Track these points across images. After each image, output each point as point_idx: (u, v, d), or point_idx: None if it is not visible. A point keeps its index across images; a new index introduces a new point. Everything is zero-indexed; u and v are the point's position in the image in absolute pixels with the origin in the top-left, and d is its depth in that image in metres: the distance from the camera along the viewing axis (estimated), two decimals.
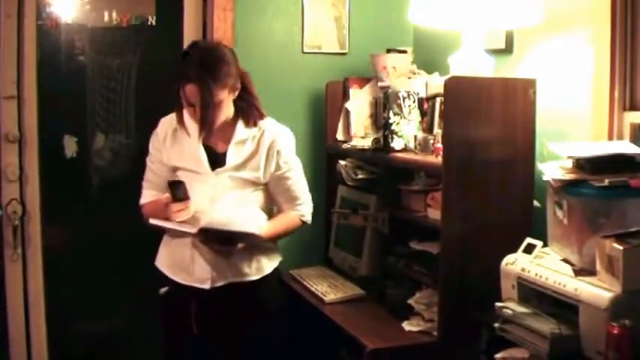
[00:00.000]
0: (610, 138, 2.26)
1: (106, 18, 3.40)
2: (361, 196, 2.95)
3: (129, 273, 3.37)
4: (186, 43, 3.14)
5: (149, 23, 3.45)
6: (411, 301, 2.55)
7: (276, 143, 2.30)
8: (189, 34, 3.16)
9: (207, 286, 2.23)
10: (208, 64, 2.15)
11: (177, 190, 2.14)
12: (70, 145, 3.35)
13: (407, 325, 2.49)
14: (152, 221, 2.17)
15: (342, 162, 3.07)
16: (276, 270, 2.39)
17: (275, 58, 3.23)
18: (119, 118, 3.46)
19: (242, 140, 2.27)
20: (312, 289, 2.84)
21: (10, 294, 2.96)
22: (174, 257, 2.30)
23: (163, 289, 2.32)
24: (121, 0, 3.42)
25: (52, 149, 3.22)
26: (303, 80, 3.28)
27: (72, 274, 3.29)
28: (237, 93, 2.25)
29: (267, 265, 2.33)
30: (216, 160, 2.25)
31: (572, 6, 2.42)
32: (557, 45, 2.49)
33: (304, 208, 2.41)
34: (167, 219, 2.17)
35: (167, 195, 2.17)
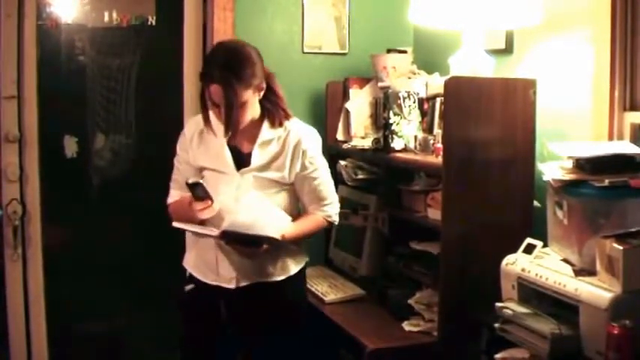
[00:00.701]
0: (610, 138, 2.26)
1: (106, 18, 3.40)
2: (361, 196, 2.95)
3: (129, 273, 3.37)
4: (186, 43, 3.15)
5: (149, 23, 3.45)
6: (411, 301, 2.55)
7: (301, 143, 2.29)
8: (189, 34, 3.16)
9: (232, 285, 2.23)
10: (233, 64, 2.14)
11: (196, 191, 2.13)
12: (70, 145, 3.35)
13: (407, 325, 2.49)
14: (175, 224, 2.17)
15: (342, 162, 3.07)
16: (302, 271, 2.37)
17: (275, 58, 3.22)
18: (119, 118, 3.46)
19: (267, 140, 2.27)
20: (313, 289, 2.84)
21: (10, 294, 2.96)
22: (200, 257, 2.30)
23: (189, 286, 2.31)
24: (121, 0, 3.42)
25: (52, 149, 3.22)
26: (303, 80, 3.28)
27: (72, 274, 3.29)
28: (262, 93, 2.25)
29: (292, 265, 2.33)
30: (242, 161, 2.25)
31: (572, 6, 2.42)
32: (557, 45, 2.49)
33: (331, 209, 2.38)
34: (192, 219, 2.17)
35: (189, 195, 2.16)
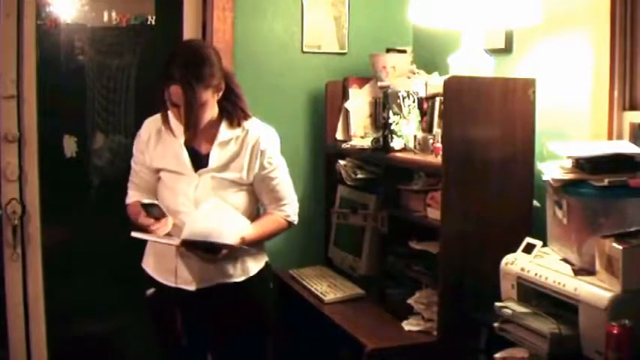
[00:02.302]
0: (609, 138, 2.26)
1: (106, 18, 3.39)
2: (361, 196, 2.95)
3: (129, 273, 3.36)
4: None
5: (149, 23, 3.45)
6: (410, 301, 2.55)
7: (260, 143, 2.27)
8: (189, 34, 3.16)
9: (192, 287, 2.22)
10: (192, 64, 2.12)
11: (151, 211, 2.14)
12: (70, 145, 3.34)
13: (407, 325, 2.49)
14: (135, 234, 2.15)
15: (341, 162, 3.07)
16: (263, 271, 2.35)
17: (275, 58, 3.23)
18: (119, 118, 3.46)
19: (226, 141, 2.25)
20: (312, 289, 2.84)
21: (10, 294, 2.96)
22: (159, 261, 2.30)
23: (150, 291, 2.32)
24: (121, 0, 3.42)
25: (52, 149, 3.22)
26: (302, 80, 3.28)
27: (72, 274, 3.29)
28: (221, 94, 2.23)
29: (252, 266, 2.31)
30: (200, 162, 2.24)
31: (572, 6, 2.42)
32: (557, 45, 2.49)
33: (289, 209, 2.36)
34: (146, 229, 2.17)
35: (144, 214, 2.15)
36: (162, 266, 2.28)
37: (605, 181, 1.86)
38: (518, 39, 2.67)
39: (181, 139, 2.22)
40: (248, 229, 2.24)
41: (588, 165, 1.93)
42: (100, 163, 3.45)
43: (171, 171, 2.25)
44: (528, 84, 2.40)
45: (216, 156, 2.23)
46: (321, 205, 3.26)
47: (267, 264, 2.39)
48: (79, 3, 3.33)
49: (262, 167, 2.28)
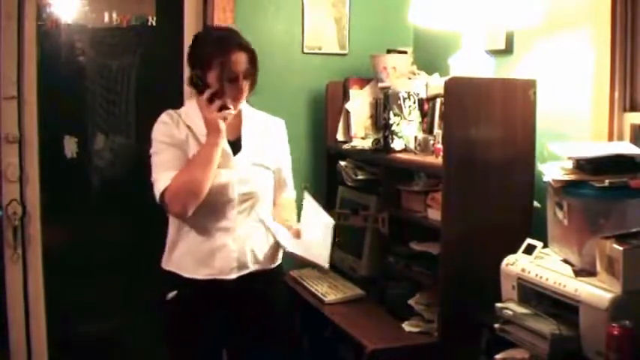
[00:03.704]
0: (610, 139, 2.26)
1: (106, 18, 3.40)
2: (361, 197, 2.95)
3: (129, 273, 3.37)
4: (186, 44, 3.14)
5: (149, 24, 3.45)
6: (411, 302, 2.55)
7: (281, 131, 2.39)
8: (189, 34, 3.14)
9: (233, 276, 2.21)
10: (238, 34, 2.25)
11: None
12: (70, 146, 3.35)
13: (407, 326, 2.49)
14: (290, 249, 2.29)
15: (342, 162, 3.07)
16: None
17: (275, 58, 3.23)
18: (119, 118, 3.46)
19: (252, 127, 2.31)
20: (312, 290, 2.84)
21: (10, 294, 2.96)
22: (189, 253, 2.23)
23: (172, 293, 2.24)
24: (121, 0, 3.42)
25: (52, 149, 3.22)
26: (303, 81, 3.28)
27: (72, 274, 3.29)
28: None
29: (277, 253, 2.35)
30: (232, 147, 2.24)
31: (572, 6, 2.42)
32: (557, 45, 2.49)
33: (292, 192, 2.48)
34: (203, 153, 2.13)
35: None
36: (193, 259, 2.22)
37: (606, 182, 1.86)
38: (519, 40, 2.67)
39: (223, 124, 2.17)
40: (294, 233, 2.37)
41: (589, 166, 1.93)
42: (100, 164, 3.46)
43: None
44: (529, 85, 2.40)
45: (249, 140, 2.27)
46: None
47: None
48: (80, 4, 3.34)
49: (284, 153, 2.39)
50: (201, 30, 2.28)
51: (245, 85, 2.20)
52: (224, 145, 2.18)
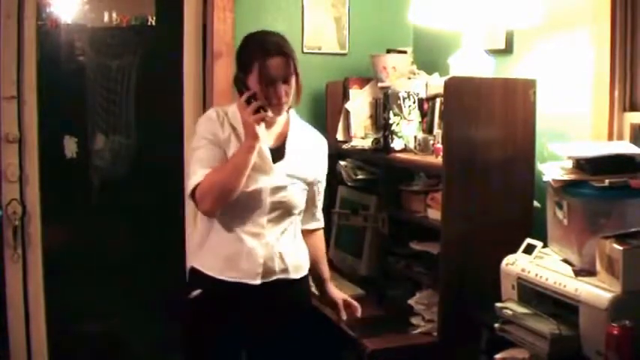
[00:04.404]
0: (610, 138, 2.26)
1: (106, 18, 3.40)
2: (361, 197, 2.95)
3: (129, 273, 3.37)
4: (186, 44, 3.15)
5: (149, 23, 3.45)
6: (411, 302, 2.55)
7: (325, 150, 2.38)
8: (189, 34, 3.16)
9: (257, 281, 2.20)
10: (283, 40, 2.22)
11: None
12: (70, 146, 3.35)
13: (407, 326, 2.49)
14: None
15: (342, 162, 3.07)
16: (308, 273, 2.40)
17: None
18: (119, 118, 3.47)
19: (297, 138, 2.30)
20: (312, 289, 2.83)
21: (10, 294, 2.96)
22: (218, 254, 2.22)
23: (196, 292, 2.23)
24: (121, 0, 3.42)
25: (52, 149, 3.23)
26: (303, 80, 3.26)
27: (72, 274, 3.29)
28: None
29: (305, 264, 2.35)
30: (272, 155, 2.23)
31: (572, 6, 2.42)
32: (557, 45, 2.49)
33: (321, 217, 2.48)
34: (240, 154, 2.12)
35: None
36: (221, 259, 2.21)
37: (606, 182, 1.86)
38: (519, 39, 2.67)
39: (265, 130, 2.18)
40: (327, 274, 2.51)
41: (589, 166, 1.93)
42: (100, 164, 3.46)
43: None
44: (529, 85, 2.40)
45: (292, 151, 2.26)
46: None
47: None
48: (80, 3, 3.34)
49: (322, 174, 2.39)
50: (251, 32, 2.26)
51: (284, 90, 2.17)
52: (264, 149, 2.19)
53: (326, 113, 3.21)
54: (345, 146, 3.04)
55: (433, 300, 2.45)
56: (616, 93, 2.27)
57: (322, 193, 2.44)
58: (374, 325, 2.53)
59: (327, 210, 3.14)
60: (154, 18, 3.46)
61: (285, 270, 2.26)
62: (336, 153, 3.12)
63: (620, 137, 2.26)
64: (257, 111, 2.11)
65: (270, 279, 2.23)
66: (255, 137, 2.11)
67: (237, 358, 2.34)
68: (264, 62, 2.13)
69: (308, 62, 3.27)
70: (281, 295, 2.26)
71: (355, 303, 2.43)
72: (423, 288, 2.56)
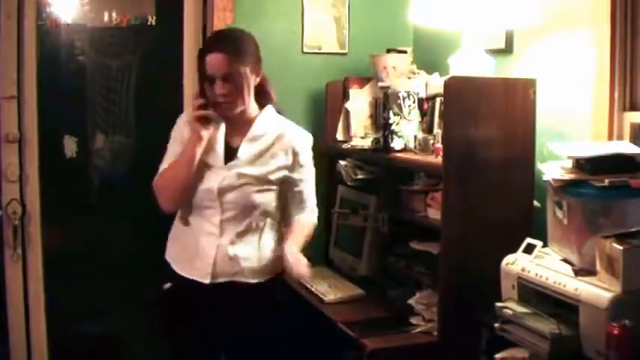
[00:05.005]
0: (610, 138, 2.26)
1: (106, 18, 3.40)
2: (361, 197, 2.95)
3: (129, 273, 3.37)
4: (186, 44, 3.15)
5: (149, 23, 3.45)
6: (411, 301, 2.55)
7: (295, 145, 2.25)
8: (189, 34, 3.16)
9: (207, 280, 2.19)
10: (228, 37, 2.19)
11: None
12: (70, 145, 3.35)
13: (407, 326, 2.49)
14: None
15: (342, 162, 3.07)
16: (278, 278, 2.30)
17: (275, 58, 3.22)
18: (119, 118, 3.46)
19: (258, 135, 2.22)
20: (312, 290, 2.84)
21: (10, 294, 2.96)
22: (183, 248, 2.25)
23: (167, 285, 2.27)
24: (121, 0, 3.42)
25: (52, 149, 3.22)
26: (303, 80, 3.28)
27: (72, 274, 3.29)
28: (257, 79, 2.22)
29: (269, 269, 2.26)
30: (231, 155, 2.21)
31: (572, 6, 2.42)
32: (557, 45, 2.49)
33: (310, 212, 2.35)
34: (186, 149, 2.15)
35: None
36: (184, 254, 2.24)
37: (606, 182, 1.86)
38: (519, 39, 2.67)
39: (221, 131, 2.20)
40: (292, 243, 2.22)
41: (589, 165, 1.93)
42: (100, 164, 3.46)
43: (202, 162, 2.19)
44: (529, 84, 2.40)
45: (246, 150, 2.21)
46: (321, 206, 3.25)
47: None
48: (80, 3, 3.34)
49: (292, 169, 2.26)
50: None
51: (225, 88, 2.12)
52: (217, 148, 2.19)
53: (326, 113, 3.21)
54: (345, 146, 3.04)
55: (433, 300, 2.45)
56: (616, 93, 2.27)
57: (309, 190, 2.33)
58: (374, 325, 2.53)
59: (327, 210, 3.16)
60: (154, 18, 3.45)
61: (239, 273, 2.20)
62: (335, 153, 3.12)
63: (620, 137, 2.26)
64: (203, 108, 2.14)
65: (222, 280, 2.19)
66: (195, 133, 2.14)
67: (207, 355, 2.30)
68: (203, 59, 2.14)
69: (308, 62, 3.28)
70: (238, 298, 2.21)
71: (304, 267, 2.16)
72: (423, 288, 2.56)
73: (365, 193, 2.94)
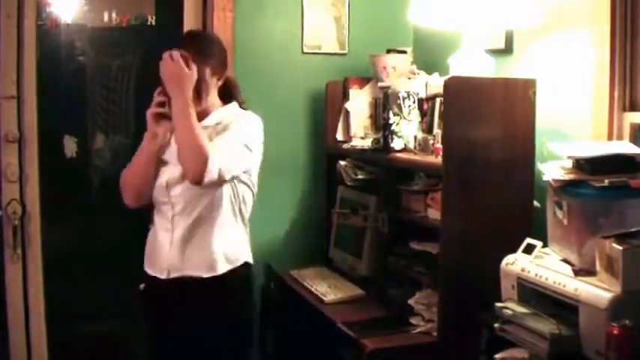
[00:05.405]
0: (610, 138, 2.26)
1: (106, 18, 3.40)
2: (361, 197, 2.95)
3: (129, 273, 3.37)
4: None
5: (149, 23, 3.45)
6: (411, 301, 2.55)
7: (230, 123, 2.16)
8: None
9: (164, 276, 2.19)
10: (190, 36, 2.20)
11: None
12: (70, 145, 3.35)
13: (407, 326, 2.49)
14: None
15: (341, 162, 3.07)
16: (236, 272, 2.20)
17: (275, 58, 3.23)
18: (119, 118, 3.47)
19: (208, 126, 2.16)
20: (312, 290, 2.84)
21: (10, 294, 2.96)
22: (149, 248, 2.28)
23: (142, 285, 2.28)
24: (121, 0, 3.42)
25: (52, 149, 3.22)
26: (303, 80, 3.28)
27: (72, 274, 3.29)
28: (219, 82, 2.20)
29: (220, 264, 2.17)
30: None
31: (572, 6, 2.42)
32: (557, 45, 2.49)
33: (212, 160, 2.03)
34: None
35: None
36: (149, 254, 2.26)
37: (606, 182, 1.86)
38: (519, 39, 2.67)
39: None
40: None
41: (588, 165, 1.93)
42: (100, 164, 3.46)
43: (160, 159, 2.21)
44: (529, 84, 2.40)
45: None
46: (321, 206, 3.26)
47: (248, 268, 2.26)
48: (80, 3, 3.34)
49: (217, 134, 2.15)
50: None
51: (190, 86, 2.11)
52: (172, 143, 2.17)
53: (326, 113, 3.21)
54: (344, 146, 3.04)
55: (433, 300, 2.45)
56: (616, 93, 2.27)
57: (223, 142, 2.09)
58: (374, 325, 2.53)
59: (328, 210, 3.16)
60: (154, 18, 3.46)
61: (189, 267, 2.15)
62: (335, 153, 3.12)
63: (620, 137, 2.26)
64: (162, 105, 2.16)
65: (175, 275, 2.17)
66: (150, 130, 2.18)
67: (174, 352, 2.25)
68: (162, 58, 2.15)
69: (308, 62, 3.28)
70: (190, 293, 2.16)
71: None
72: (423, 288, 2.56)
73: (365, 193, 2.94)
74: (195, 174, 2.02)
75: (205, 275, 2.17)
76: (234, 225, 2.21)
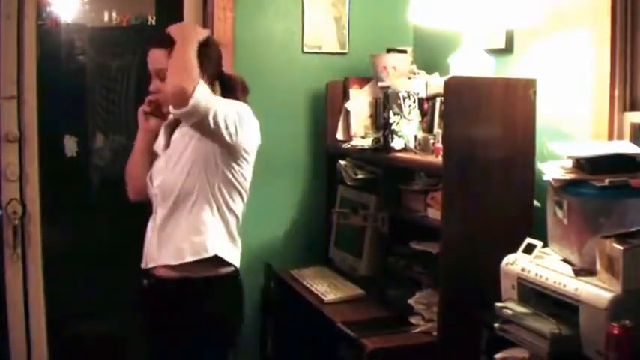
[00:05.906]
0: (610, 138, 2.26)
1: (106, 18, 3.40)
2: (361, 196, 2.95)
3: (129, 272, 3.37)
4: None
5: (149, 23, 3.45)
6: (411, 301, 2.55)
7: None
8: None
9: (144, 265, 2.20)
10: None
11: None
12: (70, 145, 3.35)
13: (407, 325, 2.49)
14: None
15: (342, 162, 3.07)
16: (202, 263, 2.12)
17: (275, 58, 3.23)
18: (119, 118, 3.47)
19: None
20: (312, 289, 2.84)
21: (10, 294, 2.96)
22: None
23: (145, 281, 2.24)
24: (121, 0, 3.42)
25: (52, 149, 3.22)
26: (303, 80, 3.28)
27: (72, 275, 3.29)
28: (208, 80, 2.13)
29: (186, 253, 2.11)
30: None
31: (572, 6, 2.42)
32: (557, 45, 2.49)
33: (200, 90, 2.00)
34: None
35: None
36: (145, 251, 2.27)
37: (606, 182, 1.86)
38: (519, 39, 2.67)
39: (166, 123, 2.25)
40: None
41: (589, 165, 1.93)
42: (100, 163, 3.46)
43: (154, 154, 2.26)
44: (529, 84, 2.40)
45: (178, 135, 2.16)
46: (321, 206, 3.26)
47: (219, 260, 2.14)
48: (80, 3, 3.34)
49: None
50: None
51: (155, 83, 2.16)
52: (161, 138, 2.23)
53: (326, 113, 3.21)
54: (345, 146, 3.04)
55: (433, 300, 2.45)
56: (616, 93, 2.27)
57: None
58: (374, 324, 2.53)
59: (328, 210, 3.16)
60: (154, 18, 3.46)
61: (163, 256, 2.14)
62: (336, 152, 3.13)
63: (620, 137, 2.26)
64: (151, 105, 2.25)
65: (151, 265, 2.17)
66: (139, 126, 2.28)
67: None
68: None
69: (308, 62, 3.28)
70: (165, 288, 2.15)
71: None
72: (423, 288, 2.56)
73: (365, 193, 2.94)
74: (182, 91, 1.96)
75: (174, 263, 2.11)
76: (211, 218, 2.12)
